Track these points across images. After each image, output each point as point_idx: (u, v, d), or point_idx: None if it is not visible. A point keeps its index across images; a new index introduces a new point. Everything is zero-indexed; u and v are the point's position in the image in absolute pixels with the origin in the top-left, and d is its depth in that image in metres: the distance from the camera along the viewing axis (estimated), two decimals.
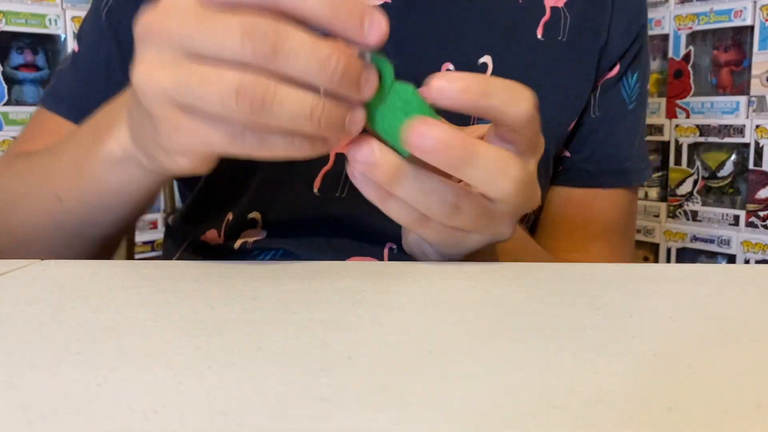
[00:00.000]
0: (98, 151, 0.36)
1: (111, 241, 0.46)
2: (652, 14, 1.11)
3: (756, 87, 1.03)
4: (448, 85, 0.29)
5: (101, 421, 0.17)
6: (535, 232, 0.61)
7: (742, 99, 1.04)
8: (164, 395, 0.18)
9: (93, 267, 0.34)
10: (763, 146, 1.03)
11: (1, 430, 0.17)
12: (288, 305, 0.27)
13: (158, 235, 1.21)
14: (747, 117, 1.04)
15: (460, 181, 0.31)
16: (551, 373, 0.20)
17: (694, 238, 1.13)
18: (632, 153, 0.58)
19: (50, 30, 1.10)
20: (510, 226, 0.34)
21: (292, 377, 0.20)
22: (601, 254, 0.57)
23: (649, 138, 1.11)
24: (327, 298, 0.28)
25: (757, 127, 1.03)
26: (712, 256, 1.11)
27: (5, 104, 1.09)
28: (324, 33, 0.28)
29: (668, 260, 1.15)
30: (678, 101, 1.12)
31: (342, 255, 0.47)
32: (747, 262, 1.05)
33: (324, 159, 0.49)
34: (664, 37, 1.12)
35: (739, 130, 1.05)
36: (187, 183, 0.59)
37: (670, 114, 1.13)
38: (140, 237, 1.16)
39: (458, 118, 0.49)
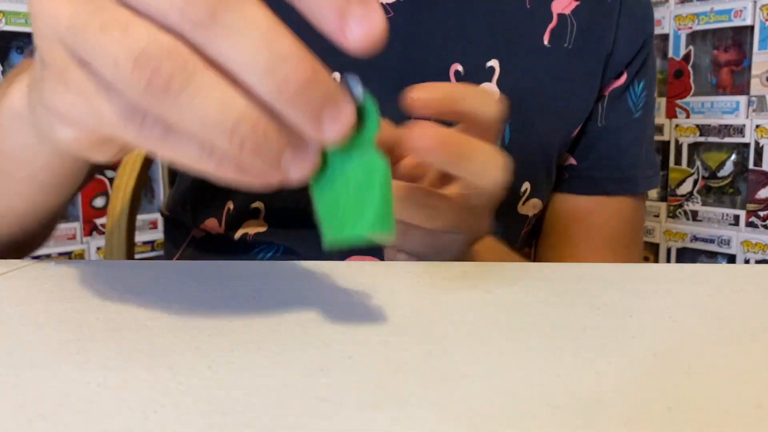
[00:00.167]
0: (2, 103, 0.30)
1: (21, 236, 0.38)
2: None
3: (756, 87, 1.03)
4: (431, 94, 0.28)
5: (101, 421, 0.17)
6: (538, 238, 0.61)
7: (742, 99, 1.04)
8: (164, 395, 0.18)
9: (93, 267, 0.34)
10: (763, 146, 1.03)
11: (1, 430, 0.17)
12: (288, 305, 0.27)
13: (158, 235, 1.21)
14: (747, 117, 1.04)
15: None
16: (551, 373, 0.20)
17: (694, 238, 1.13)
18: (639, 160, 0.58)
19: None
20: (487, 220, 0.35)
21: (291, 377, 0.20)
22: (606, 262, 0.57)
23: None
24: (327, 297, 0.28)
25: (757, 126, 1.03)
26: (712, 256, 1.11)
27: None
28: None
29: (668, 260, 1.15)
30: (678, 101, 1.12)
31: (342, 254, 0.47)
32: (747, 262, 1.05)
33: None
34: (664, 37, 1.12)
35: (739, 130, 1.05)
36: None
37: (670, 114, 1.13)
38: (140, 237, 1.17)
39: None
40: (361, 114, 0.21)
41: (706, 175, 1.11)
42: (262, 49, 0.19)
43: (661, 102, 1.13)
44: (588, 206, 0.57)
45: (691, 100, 1.11)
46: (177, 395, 0.18)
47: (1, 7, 1.06)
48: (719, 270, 0.35)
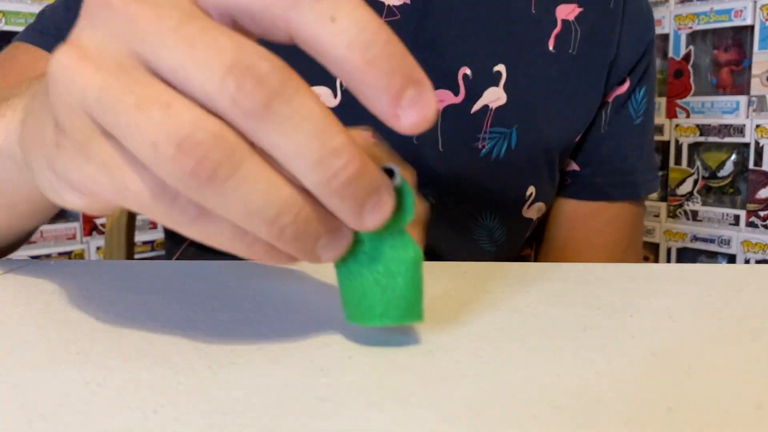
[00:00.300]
0: None
1: None
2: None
3: (756, 87, 1.03)
4: None
5: (101, 421, 0.17)
6: (538, 240, 0.62)
7: (742, 99, 1.04)
8: (164, 395, 0.18)
9: (93, 267, 0.34)
10: (763, 146, 1.03)
11: (1, 429, 0.17)
12: (288, 305, 0.27)
13: (158, 234, 1.21)
14: (747, 117, 1.04)
15: None
16: (551, 373, 0.20)
17: (695, 238, 1.13)
18: (639, 166, 0.58)
19: None
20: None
21: (292, 377, 0.20)
22: None
23: None
24: (327, 298, 0.28)
25: (758, 126, 1.03)
26: (712, 256, 1.11)
27: None
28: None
29: (668, 260, 1.15)
30: (678, 101, 1.12)
31: None
32: (747, 261, 1.05)
33: None
34: (665, 37, 1.12)
35: (739, 130, 1.04)
36: None
37: (670, 114, 1.13)
38: (140, 237, 1.17)
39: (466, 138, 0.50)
40: (397, 200, 0.21)
41: (706, 175, 1.11)
42: (314, 142, 0.18)
43: (661, 102, 1.13)
44: (589, 211, 0.57)
45: (691, 99, 1.11)
46: (177, 395, 0.18)
47: (0, 7, 1.06)
48: (719, 270, 0.35)
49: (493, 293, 0.29)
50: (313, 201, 0.19)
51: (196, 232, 0.19)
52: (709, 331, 0.24)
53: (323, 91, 0.46)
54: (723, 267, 0.36)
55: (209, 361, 0.21)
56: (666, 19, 1.12)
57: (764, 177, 1.03)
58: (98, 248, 1.14)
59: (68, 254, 1.10)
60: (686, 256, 1.13)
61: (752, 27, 1.02)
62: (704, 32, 1.08)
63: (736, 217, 1.07)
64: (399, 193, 0.21)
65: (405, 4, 0.49)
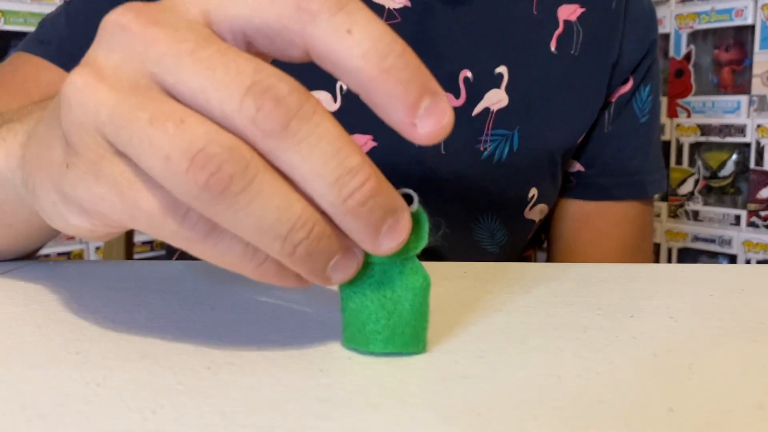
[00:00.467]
0: None
1: None
2: None
3: (757, 86, 1.03)
4: None
5: (100, 421, 0.17)
6: (541, 245, 0.61)
7: (743, 98, 1.04)
8: (163, 395, 0.18)
9: (92, 267, 0.34)
10: (764, 146, 1.03)
11: (1, 429, 0.17)
12: (287, 305, 0.27)
13: None
14: (748, 116, 1.04)
15: None
16: (552, 374, 0.20)
17: (695, 238, 1.13)
18: (646, 165, 0.58)
19: None
20: None
21: (292, 378, 0.20)
22: None
23: None
24: (326, 298, 0.28)
25: (759, 126, 1.03)
26: (713, 256, 1.10)
27: None
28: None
29: (669, 260, 1.15)
30: (679, 100, 1.12)
31: None
32: (748, 262, 1.05)
33: None
34: (665, 36, 1.12)
35: (740, 130, 1.04)
36: None
37: (671, 113, 1.13)
38: (139, 237, 1.17)
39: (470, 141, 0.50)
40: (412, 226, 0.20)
41: (707, 174, 1.11)
42: (331, 162, 0.18)
43: (662, 101, 1.13)
44: (596, 211, 0.57)
45: (692, 99, 1.11)
46: (176, 395, 0.18)
47: (0, 7, 1.06)
48: (720, 270, 0.35)
49: (493, 293, 0.29)
50: (328, 220, 0.19)
51: (205, 251, 0.19)
52: (710, 331, 0.24)
53: (323, 96, 0.46)
54: (724, 267, 0.36)
55: (209, 362, 0.21)
56: (667, 19, 1.12)
57: (765, 177, 1.03)
58: (97, 248, 1.14)
59: (67, 254, 1.10)
60: (687, 256, 1.13)
61: (753, 27, 1.02)
62: (705, 32, 1.08)
63: (737, 217, 1.07)
64: (414, 219, 0.20)
65: (405, 6, 0.49)
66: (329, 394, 0.19)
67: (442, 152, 0.49)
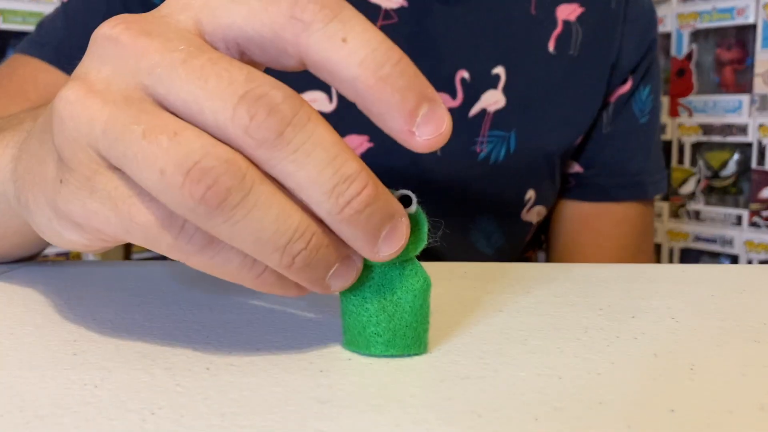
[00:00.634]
0: None
1: None
2: None
3: (759, 86, 1.03)
4: None
5: (99, 423, 0.17)
6: (540, 246, 0.61)
7: (745, 98, 1.04)
8: (162, 396, 0.18)
9: (90, 267, 0.34)
10: (766, 146, 1.03)
11: None
12: (287, 306, 0.27)
13: None
14: (750, 116, 1.03)
15: None
16: (553, 374, 0.20)
17: (697, 238, 1.12)
18: (646, 166, 0.57)
19: None
20: None
21: (291, 379, 0.20)
22: None
23: None
24: (326, 299, 0.28)
25: (761, 126, 1.03)
26: (714, 257, 1.10)
27: None
28: None
29: (671, 260, 1.15)
30: (680, 100, 1.11)
31: None
32: (750, 262, 1.05)
33: None
34: (667, 36, 1.12)
35: (742, 129, 1.04)
36: None
37: (673, 113, 1.13)
38: None
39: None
40: (411, 227, 0.20)
41: (709, 174, 1.11)
42: (327, 169, 0.18)
43: (664, 101, 1.13)
44: (596, 212, 0.57)
45: (693, 99, 1.11)
46: (175, 396, 0.18)
47: None
48: (722, 270, 0.35)
49: (494, 294, 0.29)
50: (325, 229, 0.19)
51: (203, 263, 0.19)
52: (712, 331, 0.24)
53: (318, 96, 0.46)
54: (725, 267, 0.36)
55: (208, 363, 0.21)
56: (668, 18, 1.12)
57: (767, 177, 1.03)
58: (103, 252, 1.14)
59: (66, 255, 1.10)
60: (688, 256, 1.13)
61: (755, 26, 1.02)
62: (707, 31, 1.08)
63: (739, 218, 1.06)
64: (413, 220, 0.20)
65: (402, 7, 0.49)
66: (329, 395, 0.19)
67: (438, 154, 0.49)
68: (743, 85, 1.04)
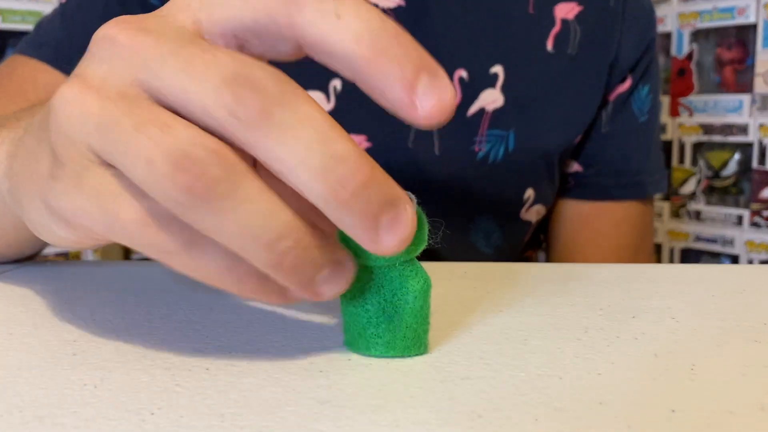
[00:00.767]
0: None
1: None
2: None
3: (760, 85, 1.03)
4: None
5: (98, 423, 0.17)
6: (547, 246, 0.61)
7: (746, 97, 1.04)
8: (161, 397, 0.18)
9: (90, 267, 0.34)
10: (766, 145, 1.02)
11: None
12: (286, 307, 0.27)
13: None
14: (750, 116, 1.03)
15: None
16: (553, 375, 0.20)
17: (698, 238, 1.12)
18: (646, 165, 0.57)
19: None
20: None
21: (291, 379, 0.20)
22: None
23: None
24: (326, 300, 0.28)
25: (761, 126, 1.03)
26: (715, 257, 1.10)
27: None
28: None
29: (671, 260, 1.15)
30: (681, 100, 1.11)
31: None
32: (750, 262, 1.05)
33: None
34: (667, 35, 1.12)
35: (743, 129, 1.04)
36: None
37: (673, 112, 1.12)
38: None
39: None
40: None
41: (710, 174, 1.10)
42: (316, 149, 0.17)
43: (664, 100, 1.13)
44: (595, 212, 0.57)
45: (694, 98, 1.11)
46: (175, 397, 0.18)
47: None
48: (722, 270, 0.35)
49: (493, 294, 0.29)
50: (317, 232, 0.18)
51: (186, 263, 0.19)
52: (712, 331, 0.24)
53: (316, 96, 0.46)
54: (726, 267, 0.36)
55: (207, 363, 0.21)
56: (669, 18, 1.12)
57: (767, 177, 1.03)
58: (95, 249, 1.14)
59: (65, 255, 1.10)
60: (689, 256, 1.13)
61: (755, 25, 1.01)
62: (707, 30, 1.08)
63: (740, 218, 1.06)
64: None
65: (399, 6, 0.49)
66: (329, 395, 0.19)
67: (437, 153, 0.49)
68: (744, 85, 1.04)
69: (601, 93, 0.54)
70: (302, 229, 0.18)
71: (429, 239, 0.21)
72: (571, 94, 0.53)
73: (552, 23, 0.52)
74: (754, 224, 1.05)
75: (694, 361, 0.21)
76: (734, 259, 1.07)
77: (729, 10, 1.05)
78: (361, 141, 0.46)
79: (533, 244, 0.61)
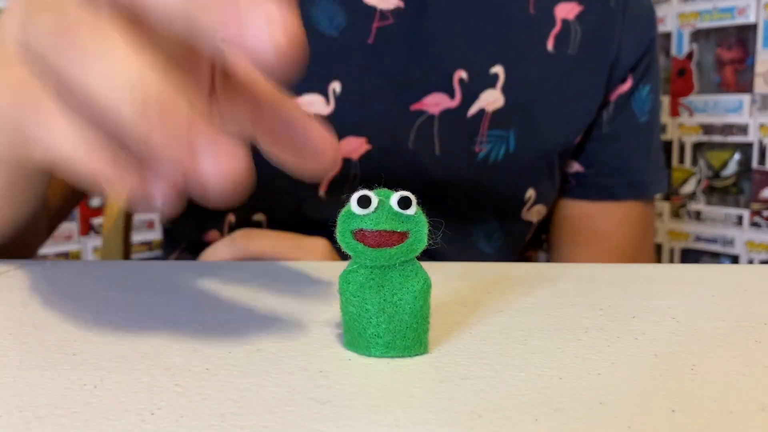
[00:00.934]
0: None
1: None
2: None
3: (760, 85, 1.03)
4: None
5: (98, 423, 0.17)
6: (548, 246, 0.61)
7: (746, 97, 1.04)
8: (161, 397, 0.18)
9: (90, 267, 0.34)
10: (767, 145, 1.02)
11: None
12: (287, 306, 0.27)
13: (155, 234, 1.21)
14: (750, 116, 1.03)
15: None
16: (553, 375, 0.20)
17: (698, 239, 1.12)
18: (646, 165, 0.57)
19: None
20: None
21: (290, 379, 0.20)
22: None
23: None
24: (326, 299, 0.28)
25: (761, 126, 1.03)
26: (715, 257, 1.10)
27: None
28: None
29: (671, 260, 1.15)
30: (681, 100, 1.11)
31: (346, 258, 0.47)
32: (751, 262, 1.05)
33: None
34: (667, 35, 1.12)
35: (743, 129, 1.04)
36: None
37: (673, 112, 1.12)
38: (137, 237, 1.16)
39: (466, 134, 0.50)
40: (410, 229, 0.20)
41: (710, 174, 1.10)
42: (114, 67, 0.16)
43: (664, 100, 1.13)
44: (596, 212, 0.57)
45: (694, 98, 1.11)
46: (174, 397, 0.18)
47: None
48: (723, 270, 0.35)
49: (493, 294, 0.29)
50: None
51: (40, 138, 0.18)
52: (713, 332, 0.24)
53: (315, 99, 0.46)
54: (726, 267, 0.36)
55: (207, 363, 0.21)
56: (669, 18, 1.12)
57: None
58: (95, 248, 1.14)
59: (65, 254, 1.10)
60: (689, 256, 1.13)
61: (755, 25, 1.01)
62: (707, 30, 1.08)
63: (740, 218, 1.06)
64: (414, 221, 0.20)
65: (398, 8, 0.49)
66: (329, 395, 0.19)
67: (437, 154, 0.49)
68: (744, 85, 1.04)
69: (601, 93, 0.54)
70: (171, 80, 0.17)
71: (429, 239, 0.21)
72: (571, 95, 0.53)
73: (552, 23, 0.52)
74: (755, 224, 1.05)
75: (694, 361, 0.21)
76: (734, 259, 1.07)
77: (729, 10, 1.05)
78: (362, 143, 0.46)
79: (534, 244, 0.61)
